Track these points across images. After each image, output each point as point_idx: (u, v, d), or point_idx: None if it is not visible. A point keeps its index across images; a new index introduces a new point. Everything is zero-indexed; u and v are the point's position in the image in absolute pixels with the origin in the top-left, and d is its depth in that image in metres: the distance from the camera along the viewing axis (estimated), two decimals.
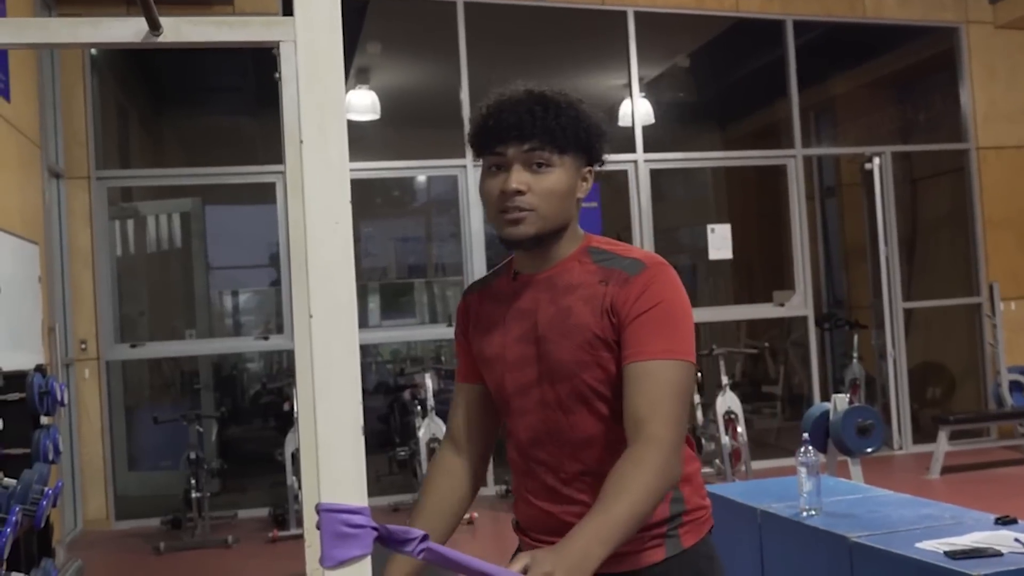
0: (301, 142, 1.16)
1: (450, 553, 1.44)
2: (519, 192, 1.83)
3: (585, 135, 1.89)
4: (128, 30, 1.54)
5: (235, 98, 10.70)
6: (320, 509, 1.22)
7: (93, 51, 7.76)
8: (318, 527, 1.22)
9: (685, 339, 1.81)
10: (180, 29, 1.55)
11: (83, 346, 7.43)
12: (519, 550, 1.98)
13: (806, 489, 3.40)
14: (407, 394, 8.28)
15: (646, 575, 1.86)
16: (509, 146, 1.84)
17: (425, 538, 1.37)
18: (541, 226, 1.85)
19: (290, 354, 8.34)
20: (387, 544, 1.34)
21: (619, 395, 1.81)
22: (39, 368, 4.65)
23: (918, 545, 2.88)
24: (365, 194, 10.86)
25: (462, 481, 2.03)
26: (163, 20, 1.52)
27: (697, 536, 1.91)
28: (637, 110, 8.53)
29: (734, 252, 8.46)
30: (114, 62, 8.73)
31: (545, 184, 1.84)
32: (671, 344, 1.78)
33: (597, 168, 1.95)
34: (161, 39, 1.54)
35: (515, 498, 2.05)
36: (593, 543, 1.58)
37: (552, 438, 1.90)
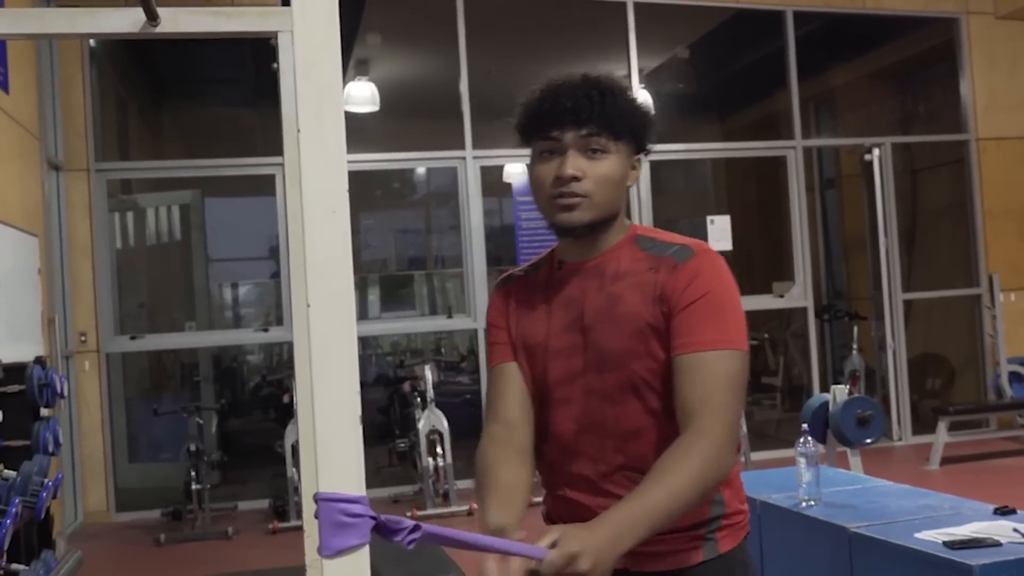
0: (298, 131, 1.16)
1: (456, 534, 1.44)
2: (575, 178, 1.79)
3: (638, 123, 1.86)
4: (125, 20, 1.54)
5: (235, 90, 10.68)
6: (318, 498, 1.22)
7: (92, 42, 7.75)
8: (316, 517, 1.22)
9: (736, 327, 1.77)
10: (178, 19, 1.55)
11: (83, 338, 7.43)
12: None
13: (805, 480, 3.41)
14: (407, 386, 8.28)
15: None
16: (565, 131, 1.80)
17: (416, 528, 1.38)
18: (595, 214, 1.82)
19: (290, 346, 8.34)
20: (382, 534, 1.34)
21: (669, 387, 1.77)
22: (39, 360, 4.66)
23: (917, 535, 2.89)
24: (364, 186, 10.85)
25: (524, 462, 1.89)
26: (160, 10, 1.52)
27: (734, 541, 1.86)
28: None
29: (734, 243, 8.45)
30: (113, 54, 8.72)
31: (600, 170, 1.81)
32: (722, 333, 1.74)
33: (644, 157, 1.92)
34: (159, 29, 1.54)
35: (546, 492, 1.98)
36: (627, 525, 1.56)
37: (596, 429, 1.84)
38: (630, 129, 1.84)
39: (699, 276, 1.77)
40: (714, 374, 1.71)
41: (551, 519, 1.95)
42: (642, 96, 1.88)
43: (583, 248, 1.88)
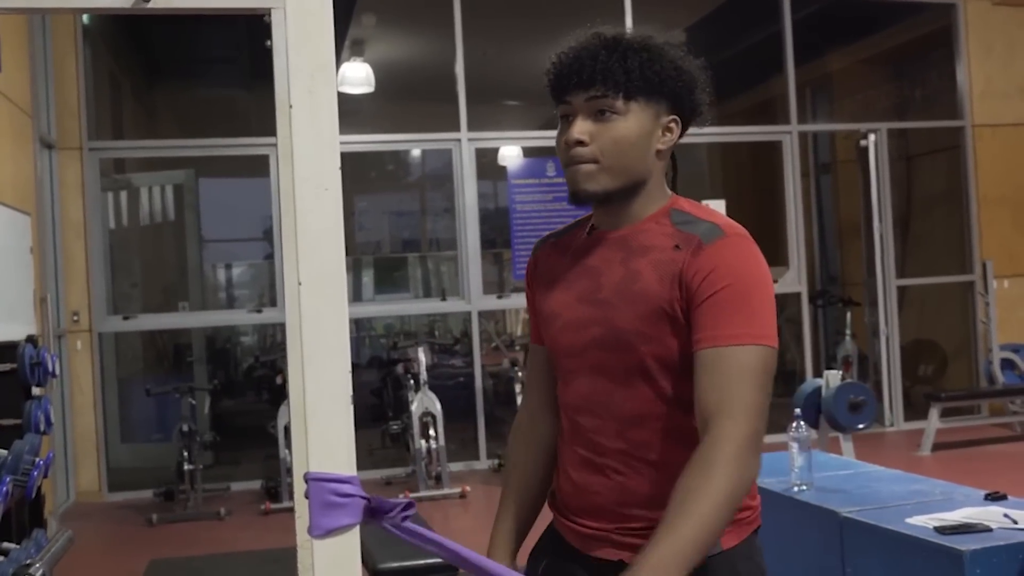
0: (290, 107, 1.15)
1: (441, 542, 1.43)
2: (580, 142, 1.69)
3: (659, 80, 1.70)
4: None
5: (229, 70, 10.64)
6: (308, 478, 1.21)
7: (85, 19, 7.70)
8: (307, 496, 1.21)
9: (764, 320, 1.61)
10: None
11: (75, 318, 7.41)
12: (549, 530, 1.90)
13: (797, 464, 3.41)
14: (400, 368, 8.28)
15: None
16: (573, 94, 1.71)
17: (410, 505, 1.37)
18: (609, 181, 1.70)
19: (283, 327, 8.33)
20: (374, 515, 1.33)
21: (680, 376, 1.66)
22: (30, 339, 4.63)
23: (908, 520, 2.89)
24: (359, 168, 10.83)
25: (543, 451, 1.90)
26: None
27: (739, 537, 1.73)
28: None
29: None
30: (107, 32, 8.67)
31: (610, 133, 1.68)
32: (748, 327, 1.60)
33: (694, 119, 1.78)
34: (151, 5, 1.52)
35: (559, 463, 1.88)
36: (663, 573, 1.45)
37: (599, 408, 1.75)
38: (647, 87, 1.69)
39: (724, 262, 1.63)
40: (735, 372, 1.58)
41: (554, 495, 1.89)
42: (679, 53, 1.68)
43: (612, 217, 1.77)
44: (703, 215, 1.73)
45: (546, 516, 1.92)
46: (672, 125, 1.75)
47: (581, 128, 1.69)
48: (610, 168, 1.70)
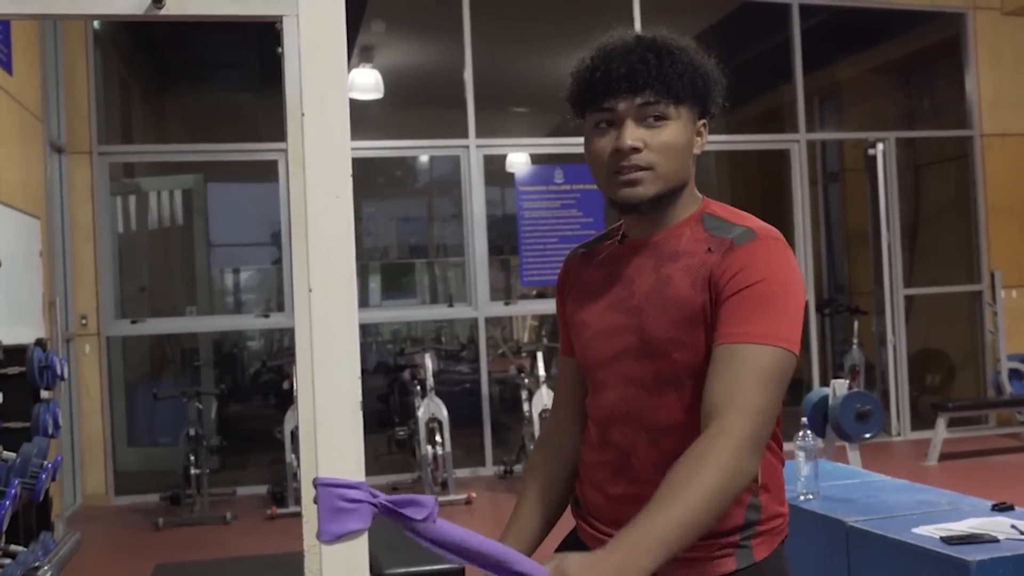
0: (303, 114, 1.15)
1: (462, 534, 1.43)
2: (635, 149, 1.65)
3: (702, 84, 1.70)
4: (130, 2, 1.53)
5: (238, 75, 10.67)
6: (317, 483, 1.21)
7: (96, 25, 7.73)
8: (315, 502, 1.22)
9: (786, 323, 1.58)
10: (183, 2, 1.54)
11: (83, 321, 7.43)
12: (572, 534, 1.87)
13: (804, 473, 3.41)
14: (407, 374, 8.29)
15: None
16: (620, 100, 1.65)
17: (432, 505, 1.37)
18: (661, 186, 1.67)
19: (290, 332, 8.35)
20: (393, 517, 1.33)
21: None
22: (39, 342, 4.65)
23: (915, 530, 2.89)
24: (367, 173, 10.84)
25: (566, 463, 1.88)
26: None
27: (770, 548, 1.71)
28: None
29: None
30: (117, 36, 8.70)
31: (662, 139, 1.66)
32: (766, 327, 1.56)
33: (710, 120, 1.76)
34: (164, 12, 1.53)
35: (582, 472, 1.85)
36: (636, 554, 1.40)
37: (631, 419, 1.71)
38: (692, 92, 1.68)
39: (754, 262, 1.61)
40: (746, 369, 1.55)
41: (579, 509, 1.86)
42: (703, 54, 1.75)
43: (648, 224, 1.74)
44: (737, 219, 1.72)
45: (561, 526, 1.91)
46: (702, 129, 1.75)
47: (635, 134, 1.65)
48: (664, 175, 1.67)
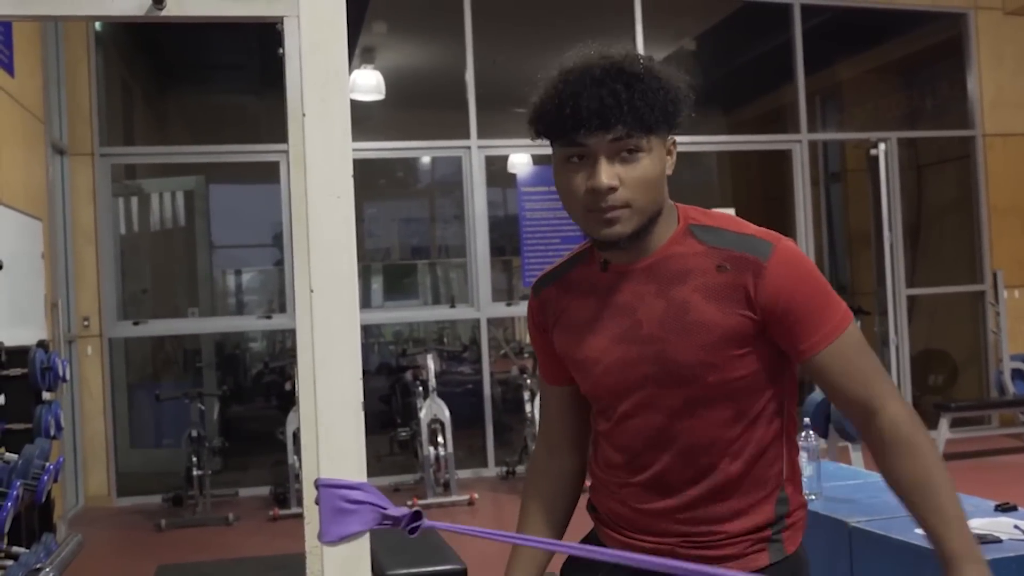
0: (304, 115, 1.15)
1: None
2: (612, 189, 1.59)
3: (672, 108, 1.65)
4: (131, 3, 1.53)
5: (240, 76, 10.67)
6: (319, 484, 1.21)
7: (98, 26, 7.73)
8: (317, 503, 1.22)
9: (838, 302, 1.67)
10: (184, 3, 1.54)
11: (86, 323, 7.44)
12: (591, 536, 1.88)
13: (806, 474, 3.40)
14: (409, 375, 8.29)
15: None
16: (591, 136, 1.59)
17: (417, 516, 1.37)
18: (638, 221, 1.63)
19: (292, 334, 8.33)
20: (395, 523, 1.33)
21: (747, 394, 1.67)
22: (41, 344, 4.65)
23: (918, 531, 2.87)
24: (369, 174, 10.83)
25: (564, 483, 1.90)
26: None
27: (798, 540, 1.76)
28: None
29: None
30: (119, 38, 8.71)
31: (637, 174, 1.61)
32: (835, 316, 1.65)
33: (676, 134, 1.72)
34: (165, 13, 1.53)
35: (598, 485, 1.85)
36: (975, 555, 1.58)
37: (664, 444, 1.71)
38: (664, 118, 1.64)
39: (793, 273, 1.64)
40: (853, 354, 1.65)
41: (596, 510, 1.87)
42: (670, 71, 1.65)
43: (631, 252, 1.70)
44: (725, 225, 1.71)
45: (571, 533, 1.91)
46: (672, 147, 1.71)
47: (609, 173, 1.60)
48: (641, 209, 1.63)
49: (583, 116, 1.58)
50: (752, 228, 1.70)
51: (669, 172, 1.70)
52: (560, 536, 1.89)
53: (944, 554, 1.57)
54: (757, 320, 1.63)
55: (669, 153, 1.70)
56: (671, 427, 1.69)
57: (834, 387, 1.66)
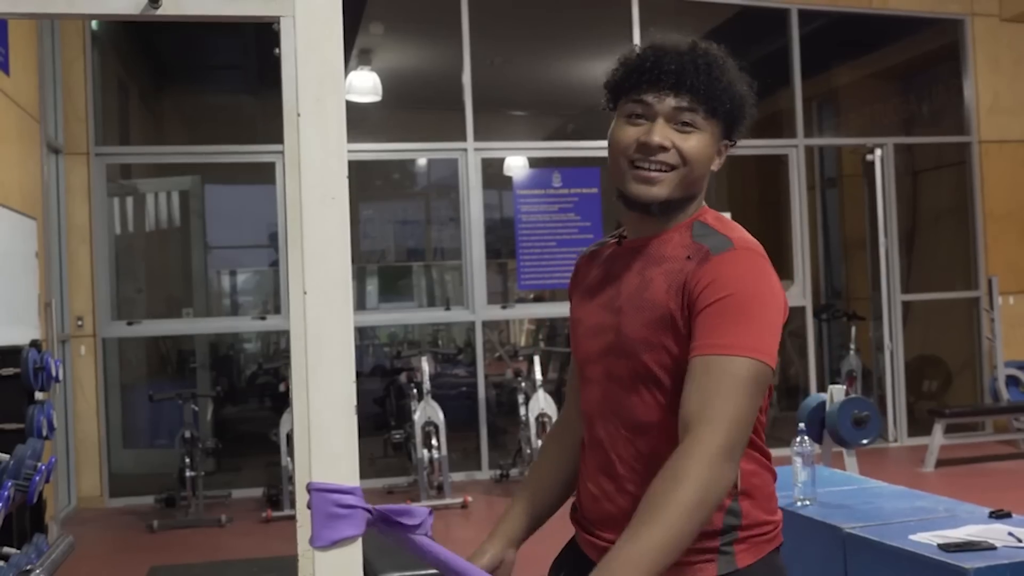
0: (298, 115, 1.14)
1: (440, 552, 1.43)
2: (663, 148, 1.67)
3: (736, 107, 1.73)
4: (127, 2, 1.52)
5: (236, 77, 10.66)
6: (311, 488, 1.20)
7: (94, 25, 7.72)
8: (309, 507, 1.21)
9: (759, 335, 1.58)
10: (180, 2, 1.53)
11: (79, 323, 7.42)
12: (571, 543, 1.89)
13: (801, 479, 3.40)
14: (403, 377, 8.27)
15: None
16: (661, 95, 1.67)
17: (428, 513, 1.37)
18: (675, 191, 1.69)
19: (287, 335, 8.33)
20: (389, 525, 1.32)
21: (679, 384, 1.63)
22: (34, 343, 4.64)
23: (912, 537, 2.88)
24: (365, 176, 10.84)
25: (570, 456, 1.92)
26: None
27: (756, 555, 1.70)
28: None
29: None
30: (115, 38, 8.69)
31: (688, 145, 1.68)
32: (739, 339, 1.56)
33: (730, 147, 1.77)
34: (161, 12, 1.52)
35: (579, 479, 1.89)
36: (619, 569, 1.45)
37: (610, 415, 1.75)
38: (726, 110, 1.71)
39: (727, 273, 1.61)
40: (722, 380, 1.54)
41: (575, 509, 1.88)
42: (746, 81, 1.77)
43: (645, 226, 1.75)
44: (722, 228, 1.72)
45: (569, 529, 1.92)
46: (723, 149, 1.76)
47: (664, 134, 1.67)
48: (681, 181, 1.69)
49: (661, 73, 1.67)
50: (736, 233, 1.71)
51: (714, 168, 1.75)
52: (555, 500, 1.94)
53: (603, 562, 1.48)
54: (686, 307, 1.63)
55: (719, 153, 1.75)
56: (617, 398, 1.73)
57: (684, 394, 1.58)
